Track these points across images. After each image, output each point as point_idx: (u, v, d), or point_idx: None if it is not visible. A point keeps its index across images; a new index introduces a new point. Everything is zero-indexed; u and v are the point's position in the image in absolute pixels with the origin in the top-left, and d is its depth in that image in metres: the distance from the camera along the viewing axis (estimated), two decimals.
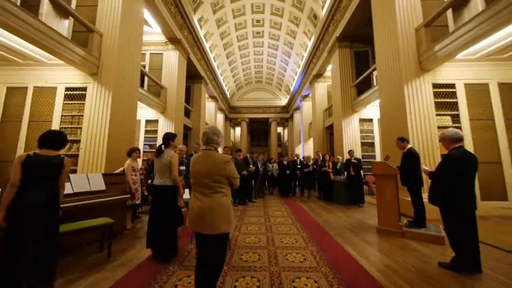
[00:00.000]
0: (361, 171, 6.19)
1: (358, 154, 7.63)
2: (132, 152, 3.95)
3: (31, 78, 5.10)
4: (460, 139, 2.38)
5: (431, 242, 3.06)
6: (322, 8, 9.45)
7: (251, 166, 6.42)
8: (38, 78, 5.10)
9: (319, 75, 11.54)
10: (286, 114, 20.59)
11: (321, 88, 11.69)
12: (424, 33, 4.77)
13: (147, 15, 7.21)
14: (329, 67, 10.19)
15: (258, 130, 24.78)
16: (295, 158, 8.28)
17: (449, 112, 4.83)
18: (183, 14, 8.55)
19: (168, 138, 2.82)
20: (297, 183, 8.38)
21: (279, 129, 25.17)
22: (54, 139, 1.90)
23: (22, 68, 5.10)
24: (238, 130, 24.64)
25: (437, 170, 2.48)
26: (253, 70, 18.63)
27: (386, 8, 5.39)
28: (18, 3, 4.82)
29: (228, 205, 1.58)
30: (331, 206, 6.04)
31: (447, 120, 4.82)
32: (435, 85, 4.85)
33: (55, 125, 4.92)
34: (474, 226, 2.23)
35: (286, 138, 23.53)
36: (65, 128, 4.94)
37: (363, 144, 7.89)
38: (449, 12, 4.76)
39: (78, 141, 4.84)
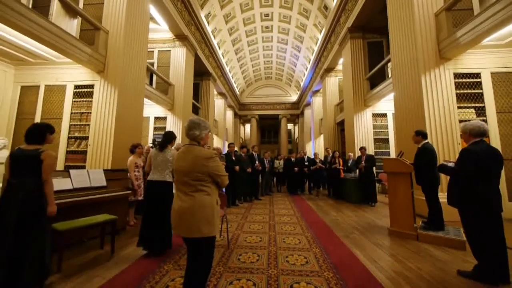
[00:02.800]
0: (374, 168, 5.85)
1: (370, 151, 7.25)
2: (135, 148, 3.93)
3: (43, 77, 5.25)
4: (483, 133, 2.08)
5: (450, 246, 2.78)
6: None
7: (256, 162, 6.27)
8: (49, 77, 5.24)
9: (330, 69, 11.11)
10: (297, 110, 20.19)
11: (332, 82, 11.25)
12: (445, 18, 4.34)
13: (154, 12, 7.20)
14: (341, 61, 9.75)
15: (268, 127, 24.55)
16: (303, 155, 8.03)
17: (473, 105, 4.39)
18: (190, 10, 8.49)
19: (173, 137, 2.90)
20: (305, 180, 8.14)
21: (290, 126, 24.80)
22: (32, 133, 1.86)
23: (34, 67, 5.26)
24: (248, 127, 24.54)
25: (456, 166, 2.21)
26: (263, 65, 18.37)
27: None
28: (30, 6, 5.06)
29: (212, 205, 1.42)
30: (340, 204, 5.78)
31: (470, 113, 4.39)
32: (456, 75, 4.43)
33: (65, 122, 5.05)
34: (500, 230, 1.96)
35: (296, 135, 23.14)
36: (74, 125, 5.06)
37: (376, 140, 7.48)
38: None
39: (86, 138, 4.94)
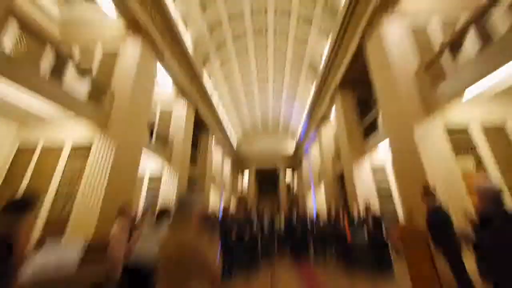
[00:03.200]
0: (384, 231, 5.30)
1: (376, 208, 6.80)
2: (122, 212, 3.28)
3: (42, 137, 5.24)
4: (496, 196, 1.87)
5: None
6: (321, 58, 10.15)
7: (254, 224, 5.66)
8: (48, 137, 5.22)
9: (324, 119, 11.59)
10: (295, 160, 20.26)
11: (328, 131, 11.59)
12: (424, 75, 4.72)
13: (159, 74, 7.88)
14: (333, 112, 10.26)
15: (266, 178, 24.10)
16: (305, 214, 7.42)
17: (472, 157, 4.32)
18: (193, 69, 9.27)
19: (166, 213, 2.56)
20: (309, 243, 7.24)
21: (288, 176, 24.47)
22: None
23: (36, 127, 5.29)
24: (246, 177, 24.12)
25: (479, 237, 1.91)
26: (259, 116, 19.36)
27: (380, 56, 5.56)
28: (48, 72, 5.50)
29: None
30: (352, 275, 4.98)
31: (470, 165, 4.28)
32: (447, 127, 4.51)
33: (53, 185, 4.79)
34: None
35: (295, 185, 22.58)
36: (62, 186, 4.79)
37: (380, 196, 7.10)
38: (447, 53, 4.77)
39: (73, 201, 4.60)
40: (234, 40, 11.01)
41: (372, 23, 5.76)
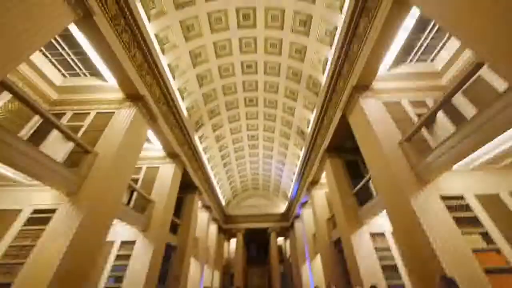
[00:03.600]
0: None
1: (381, 283, 5.93)
2: None
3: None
4: None
5: None
6: (307, 126, 10.84)
7: None
8: (7, 199, 4.63)
9: (315, 182, 11.46)
10: (286, 223, 18.92)
11: (320, 195, 11.26)
12: (408, 147, 4.91)
13: (150, 134, 7.93)
14: (324, 175, 10.26)
15: (256, 242, 21.91)
16: None
17: (477, 229, 4.05)
18: (185, 132, 9.54)
19: None
20: None
21: (280, 240, 22.36)
22: None
23: None
24: (233, 242, 21.75)
25: None
26: (250, 177, 19.06)
27: (364, 126, 5.96)
28: (27, 136, 5.33)
29: None
30: None
31: (478, 240, 3.96)
32: (443, 198, 4.40)
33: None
34: None
35: (288, 251, 20.36)
36: (2, 265, 3.88)
37: (384, 268, 6.31)
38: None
39: (8, 285, 3.63)
40: (227, 107, 11.89)
41: (352, 99, 6.42)
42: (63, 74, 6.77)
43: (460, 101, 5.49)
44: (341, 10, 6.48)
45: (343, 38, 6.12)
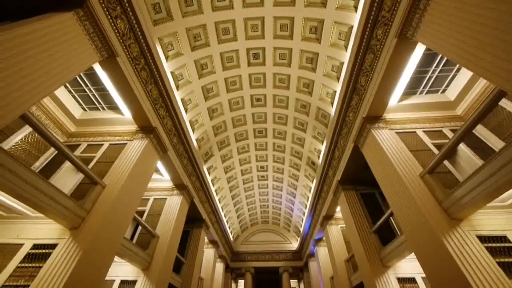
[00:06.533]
0: None
1: None
2: None
3: (1, 233, 4.49)
4: None
5: None
6: (318, 157, 10.59)
7: None
8: (9, 232, 4.49)
9: (329, 217, 10.71)
10: (299, 262, 17.30)
11: (335, 231, 10.38)
12: (431, 179, 4.54)
13: (159, 165, 7.93)
14: (338, 209, 9.60)
15: (267, 284, 19.85)
16: None
17: None
18: (194, 163, 9.52)
19: None
20: None
21: (294, 282, 20.19)
22: None
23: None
24: (241, 284, 19.84)
25: None
26: (259, 210, 18.23)
27: (379, 157, 5.68)
28: (39, 169, 5.45)
29: None
30: None
31: None
32: (482, 239, 3.84)
33: None
34: None
35: None
36: None
37: None
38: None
39: None
40: (236, 139, 12.03)
41: (363, 130, 6.29)
42: (83, 108, 7.19)
43: (481, 130, 5.24)
44: (346, 48, 6.80)
45: (350, 73, 6.28)
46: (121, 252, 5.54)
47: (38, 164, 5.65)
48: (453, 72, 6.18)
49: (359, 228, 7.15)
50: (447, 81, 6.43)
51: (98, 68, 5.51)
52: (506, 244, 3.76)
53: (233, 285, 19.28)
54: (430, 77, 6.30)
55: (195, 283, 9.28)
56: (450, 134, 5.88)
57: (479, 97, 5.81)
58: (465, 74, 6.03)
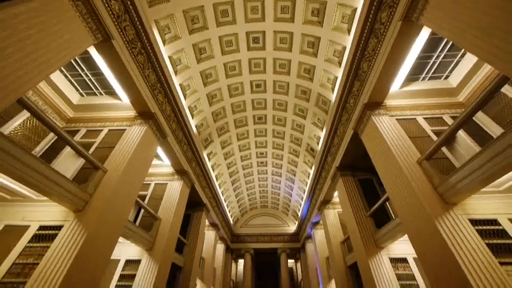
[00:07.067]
0: None
1: None
2: None
3: (6, 215, 4.62)
4: None
5: None
6: (318, 143, 10.64)
7: None
8: (14, 215, 4.62)
9: (327, 201, 10.98)
10: (297, 244, 17.99)
11: (332, 215, 10.71)
12: (428, 166, 4.61)
13: (159, 151, 7.99)
14: (336, 194, 9.82)
15: (265, 264, 20.81)
16: None
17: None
18: (194, 150, 9.58)
19: None
20: None
21: (291, 262, 21.15)
22: None
23: (3, 204, 4.78)
24: (240, 263, 20.77)
25: None
26: (258, 195, 18.63)
27: (378, 144, 5.72)
28: (40, 154, 5.48)
29: None
30: None
31: None
32: (474, 222, 3.99)
33: (6, 265, 3.83)
34: None
35: (300, 274, 19.11)
36: (5, 283, 3.77)
37: None
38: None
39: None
40: (236, 125, 12.00)
41: (363, 117, 6.27)
42: (80, 93, 7.09)
43: (481, 118, 5.24)
44: (349, 32, 6.58)
45: (352, 59, 6.13)
46: (125, 233, 5.75)
47: (39, 149, 5.68)
48: (457, 58, 6.05)
49: (355, 212, 7.38)
50: (450, 67, 6.31)
51: (94, 52, 5.37)
52: (496, 227, 3.90)
53: (233, 264, 20.19)
54: (434, 63, 6.17)
55: (197, 263, 9.72)
56: (450, 121, 5.88)
57: (482, 83, 5.75)
58: (469, 60, 5.91)
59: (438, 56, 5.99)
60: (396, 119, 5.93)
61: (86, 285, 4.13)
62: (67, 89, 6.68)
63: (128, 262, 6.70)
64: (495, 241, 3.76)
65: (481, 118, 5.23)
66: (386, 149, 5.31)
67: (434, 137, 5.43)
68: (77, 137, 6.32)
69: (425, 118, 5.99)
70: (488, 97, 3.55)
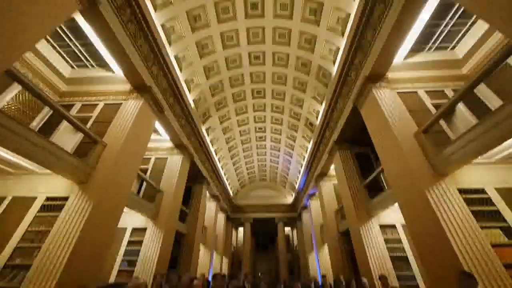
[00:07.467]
0: None
1: (390, 275, 5.87)
2: None
3: (14, 188, 4.78)
4: None
5: None
6: (317, 118, 10.60)
7: None
8: (21, 187, 4.78)
9: (323, 174, 11.34)
10: (294, 213, 19.01)
11: (328, 187, 11.15)
12: (424, 138, 4.68)
13: (157, 125, 7.95)
14: (333, 167, 10.10)
15: (264, 232, 22.20)
16: (311, 282, 6.41)
17: (497, 224, 3.87)
18: (193, 125, 9.54)
19: None
20: None
21: (287, 230, 22.58)
22: None
23: (8, 177, 4.91)
24: (240, 231, 22.17)
25: None
26: (257, 169, 19.08)
27: (377, 118, 5.72)
28: (38, 128, 5.44)
29: None
30: None
31: (498, 235, 3.79)
32: (462, 191, 4.20)
33: (11, 244, 4.09)
34: None
35: (295, 240, 20.58)
36: (21, 248, 4.06)
37: (393, 259, 6.26)
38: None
39: (28, 268, 3.80)
40: (234, 99, 11.77)
41: (364, 90, 6.15)
42: (71, 66, 6.80)
43: (483, 91, 5.16)
44: None
45: (356, 26, 5.79)
46: (130, 204, 6.02)
47: (35, 124, 5.63)
48: (466, 26, 5.75)
49: (350, 184, 7.68)
50: (458, 37, 6.03)
51: (82, 20, 5.02)
52: (483, 196, 4.14)
53: (234, 232, 21.54)
54: (442, 32, 5.88)
55: (199, 230, 10.37)
56: (451, 94, 5.81)
57: (488, 55, 5.55)
58: (479, 28, 5.63)
59: (446, 25, 5.68)
60: (397, 92, 5.84)
61: (97, 247, 4.45)
62: (57, 62, 6.39)
63: (135, 230, 7.14)
64: (479, 208, 4.02)
65: (483, 91, 5.16)
66: (384, 122, 5.33)
67: (434, 111, 5.42)
68: (73, 112, 6.22)
69: (426, 92, 5.90)
70: (493, 68, 3.47)
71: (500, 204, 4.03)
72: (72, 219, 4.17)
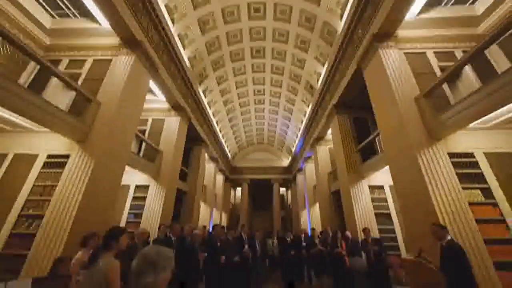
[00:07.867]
0: (384, 255, 5.03)
1: (373, 228, 6.50)
2: (88, 239, 2.93)
3: (14, 145, 4.84)
4: None
5: None
6: (317, 80, 10.22)
7: (245, 247, 5.30)
8: (22, 145, 4.84)
9: (320, 138, 11.49)
10: (289, 175, 19.94)
11: (323, 151, 11.44)
12: (425, 103, 4.63)
13: (152, 85, 7.65)
14: (330, 131, 10.19)
15: (260, 192, 23.58)
16: (301, 234, 7.10)
17: (477, 185, 4.13)
18: (189, 85, 9.20)
19: (111, 236, 1.90)
20: (304, 266, 6.90)
21: (282, 190, 24.00)
22: None
23: (7, 134, 4.91)
24: (238, 191, 23.54)
25: None
26: (255, 132, 19.21)
27: (380, 80, 5.53)
28: (27, 84, 5.19)
29: None
30: None
31: (476, 195, 4.08)
32: (451, 155, 4.35)
33: (23, 196, 4.34)
34: None
35: (289, 200, 22.09)
36: (32, 200, 4.33)
37: (377, 215, 6.85)
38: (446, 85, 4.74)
39: (41, 217, 4.11)
40: (232, 59, 11.07)
41: (370, 49, 5.77)
42: (51, 15, 6.15)
43: (494, 53, 4.89)
44: None
45: None
46: (131, 163, 6.21)
47: (23, 81, 5.38)
48: None
49: (345, 147, 7.87)
50: None
51: None
52: (470, 159, 4.31)
53: (232, 191, 22.93)
54: None
55: (199, 188, 10.98)
56: (460, 56, 5.52)
57: (508, 13, 5.08)
58: None
59: None
60: (404, 53, 5.52)
61: (103, 200, 4.76)
62: (35, 10, 5.74)
63: (138, 187, 7.55)
64: (465, 171, 4.23)
65: (494, 53, 4.89)
66: (386, 84, 5.17)
67: (439, 74, 5.22)
68: (61, 68, 5.89)
69: (435, 52, 5.58)
70: (504, 29, 3.21)
71: (485, 167, 4.23)
72: (76, 175, 4.35)
